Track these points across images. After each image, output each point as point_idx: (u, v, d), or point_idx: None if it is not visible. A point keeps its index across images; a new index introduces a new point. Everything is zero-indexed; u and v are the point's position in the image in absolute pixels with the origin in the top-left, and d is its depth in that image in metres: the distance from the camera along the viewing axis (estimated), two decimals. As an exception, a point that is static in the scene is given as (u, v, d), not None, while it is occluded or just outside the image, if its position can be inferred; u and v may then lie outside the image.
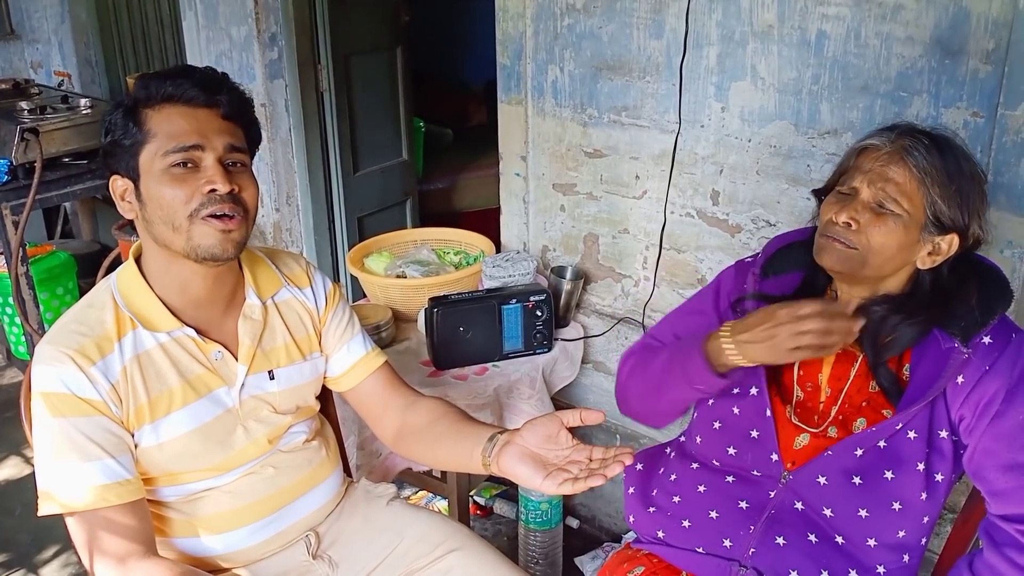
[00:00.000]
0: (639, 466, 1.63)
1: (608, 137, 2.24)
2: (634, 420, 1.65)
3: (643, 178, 2.21)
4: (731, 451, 1.48)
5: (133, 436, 1.36)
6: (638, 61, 2.12)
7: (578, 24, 2.19)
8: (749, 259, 1.60)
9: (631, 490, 1.60)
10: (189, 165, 1.32)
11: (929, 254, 1.35)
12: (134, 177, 1.34)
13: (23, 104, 3.14)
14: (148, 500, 1.40)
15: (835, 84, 1.83)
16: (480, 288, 2.28)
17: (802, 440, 1.43)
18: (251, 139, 1.43)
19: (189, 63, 3.40)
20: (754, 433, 1.46)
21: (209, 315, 1.44)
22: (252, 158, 1.42)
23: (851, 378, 1.43)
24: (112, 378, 1.33)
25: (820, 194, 1.46)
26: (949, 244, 1.34)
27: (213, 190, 1.31)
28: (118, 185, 1.36)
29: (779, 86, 1.91)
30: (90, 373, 1.30)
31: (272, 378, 1.49)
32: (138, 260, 1.43)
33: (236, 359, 1.45)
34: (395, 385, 1.62)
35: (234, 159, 1.36)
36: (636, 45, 2.10)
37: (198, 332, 1.41)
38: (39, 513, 1.33)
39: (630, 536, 2.39)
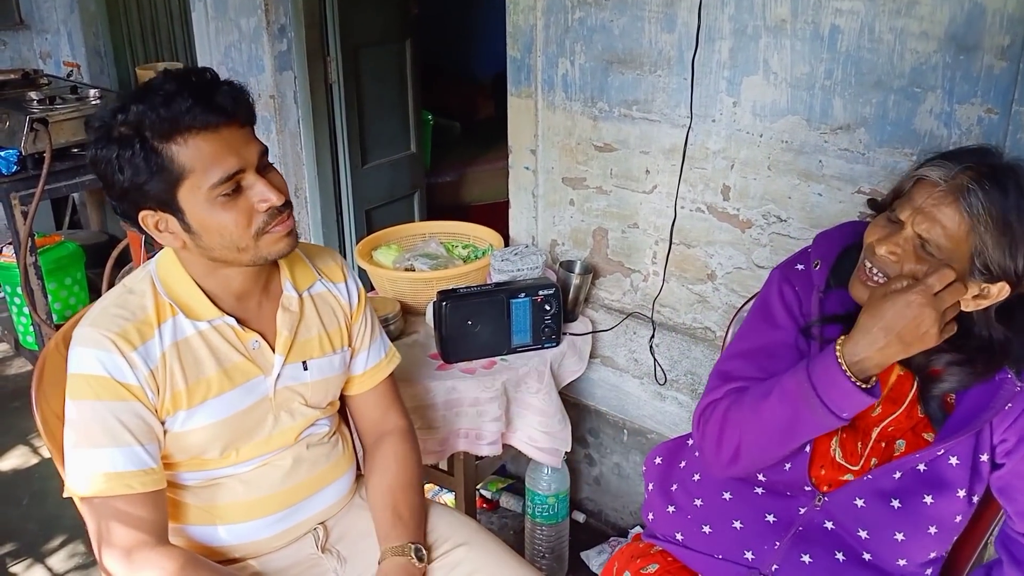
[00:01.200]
0: (658, 460, 1.60)
1: (618, 131, 2.23)
2: (739, 477, 1.45)
3: (653, 172, 2.20)
4: (760, 477, 1.42)
5: (164, 424, 1.37)
6: (649, 55, 2.10)
7: (589, 17, 2.18)
8: (799, 266, 1.48)
9: (651, 486, 1.57)
10: (235, 189, 1.30)
11: (975, 297, 1.25)
12: (173, 212, 1.30)
13: (32, 94, 3.14)
14: (168, 483, 1.41)
15: (848, 79, 1.82)
16: (489, 282, 2.28)
17: (844, 478, 1.39)
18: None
19: (199, 54, 3.40)
20: (787, 466, 1.38)
21: (247, 306, 1.46)
22: None
23: (906, 402, 1.36)
24: (152, 364, 1.34)
25: (874, 207, 1.37)
26: (999, 290, 1.24)
27: (269, 207, 1.32)
28: (150, 220, 1.32)
29: (791, 81, 1.90)
30: (131, 358, 1.31)
31: (306, 368, 1.51)
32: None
33: (273, 350, 1.47)
34: (384, 409, 1.66)
35: (264, 163, 1.35)
36: (647, 39, 2.09)
37: (237, 321, 1.42)
38: (64, 495, 1.34)
39: (637, 530, 2.38)
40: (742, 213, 2.08)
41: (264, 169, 1.34)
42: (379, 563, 1.49)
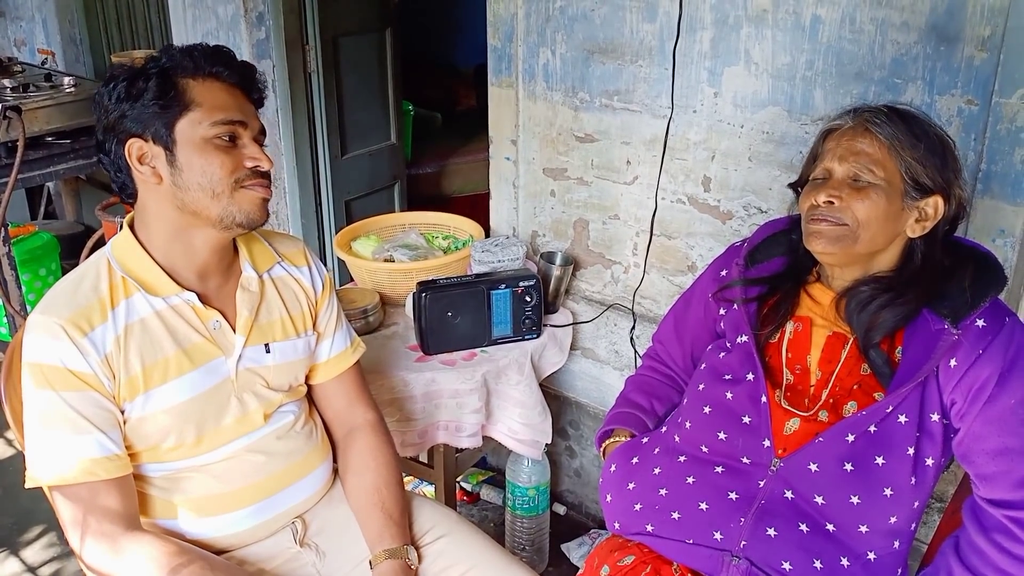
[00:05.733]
0: (613, 468, 1.62)
1: (599, 121, 2.22)
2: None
3: (634, 163, 2.20)
4: (721, 435, 1.47)
5: (124, 411, 1.35)
6: (631, 45, 2.09)
7: (570, 6, 2.17)
8: (739, 243, 1.64)
9: (608, 497, 1.58)
10: (230, 139, 1.36)
11: (917, 221, 1.38)
12: (165, 143, 1.34)
13: (5, 82, 3.08)
14: (138, 477, 1.40)
15: (829, 70, 1.81)
16: (469, 273, 2.26)
17: (792, 425, 1.42)
18: None
19: (176, 42, 3.36)
20: (746, 419, 1.45)
21: (207, 286, 1.45)
22: None
23: (842, 360, 1.43)
24: (105, 349, 1.32)
25: (797, 187, 1.49)
26: (935, 207, 1.37)
27: (256, 166, 1.37)
28: (135, 148, 1.35)
29: (772, 71, 1.89)
30: (82, 345, 1.30)
31: (268, 351, 1.49)
32: (131, 230, 1.43)
33: (234, 330, 1.45)
34: (350, 400, 1.65)
35: (261, 141, 1.42)
36: (629, 28, 2.08)
37: (199, 298, 1.42)
38: (27, 486, 1.33)
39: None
40: (723, 204, 2.07)
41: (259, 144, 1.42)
42: (372, 565, 1.48)
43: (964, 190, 1.40)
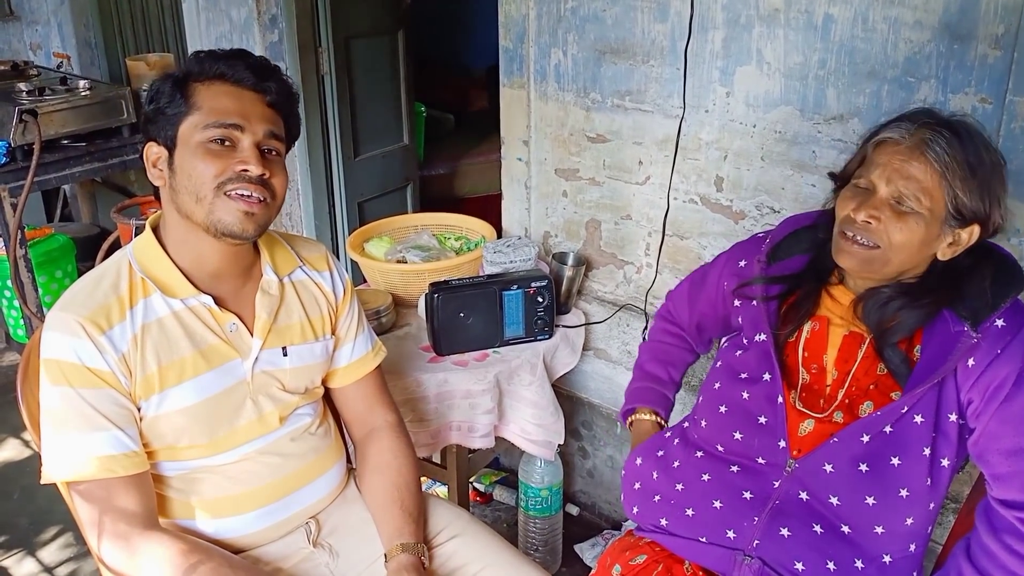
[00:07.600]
0: (639, 461, 1.62)
1: (611, 122, 2.22)
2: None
3: (646, 164, 2.19)
4: (737, 435, 1.47)
5: (140, 409, 1.36)
6: (642, 45, 2.09)
7: (581, 6, 2.17)
8: (762, 235, 1.63)
9: (637, 485, 1.58)
10: (227, 143, 1.34)
11: (949, 245, 1.35)
12: (170, 146, 1.36)
13: (22, 86, 3.11)
14: (153, 476, 1.40)
15: (842, 69, 1.81)
16: (481, 274, 2.26)
17: (807, 426, 1.42)
18: (290, 132, 1.45)
19: (190, 45, 3.39)
20: (762, 419, 1.45)
21: (224, 288, 1.45)
22: (287, 151, 1.45)
23: (858, 359, 1.42)
24: (122, 347, 1.33)
25: (837, 179, 1.45)
26: (970, 234, 1.34)
27: (245, 170, 1.34)
28: (152, 152, 1.39)
29: (785, 71, 1.89)
30: (99, 342, 1.31)
31: (285, 354, 1.50)
32: (155, 232, 1.44)
33: (251, 333, 1.46)
34: (370, 403, 1.65)
35: (271, 146, 1.39)
36: (640, 28, 2.08)
37: (215, 301, 1.42)
38: (42, 481, 1.34)
39: (631, 524, 2.38)
40: (735, 204, 2.07)
41: (267, 152, 1.38)
42: (387, 558, 1.49)
43: (1003, 217, 1.35)
